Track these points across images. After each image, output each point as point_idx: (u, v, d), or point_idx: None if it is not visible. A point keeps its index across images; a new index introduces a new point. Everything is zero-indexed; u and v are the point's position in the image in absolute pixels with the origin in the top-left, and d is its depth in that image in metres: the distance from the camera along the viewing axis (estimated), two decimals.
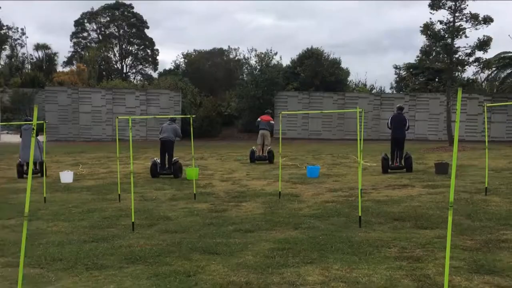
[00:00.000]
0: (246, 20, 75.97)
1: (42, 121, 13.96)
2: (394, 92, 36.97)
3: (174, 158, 16.41)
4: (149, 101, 33.14)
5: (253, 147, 20.45)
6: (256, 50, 35.85)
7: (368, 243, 7.20)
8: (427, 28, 22.71)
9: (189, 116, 11.44)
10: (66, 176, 15.72)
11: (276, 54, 36.10)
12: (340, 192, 12.43)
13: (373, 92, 35.73)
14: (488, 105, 11.34)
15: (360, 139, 10.84)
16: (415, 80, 33.80)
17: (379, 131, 32.43)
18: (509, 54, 28.16)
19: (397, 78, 38.13)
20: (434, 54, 23.55)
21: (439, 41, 22.96)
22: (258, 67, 35.21)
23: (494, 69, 29.29)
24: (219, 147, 28.39)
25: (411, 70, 35.12)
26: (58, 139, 32.89)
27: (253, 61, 35.85)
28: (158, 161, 16.45)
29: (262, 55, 34.90)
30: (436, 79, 32.93)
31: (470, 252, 6.67)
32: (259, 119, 21.04)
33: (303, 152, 24.37)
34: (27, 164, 16.76)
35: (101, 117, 32.72)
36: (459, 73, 26.48)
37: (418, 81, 34.72)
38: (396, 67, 37.98)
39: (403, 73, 37.48)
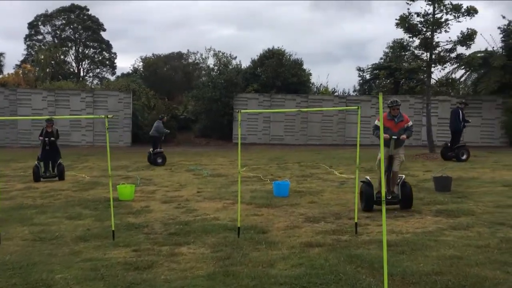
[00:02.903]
0: (207, 29, 71.63)
1: None
2: (358, 95, 33.30)
3: (158, 150, 18.67)
4: (96, 103, 28.39)
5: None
6: (214, 50, 31.61)
7: None
8: (404, 21, 18.96)
9: (103, 116, 7.15)
10: None
11: (235, 58, 32.01)
12: (323, 222, 8.37)
13: (336, 94, 31.93)
14: None
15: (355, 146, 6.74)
16: (387, 80, 30.08)
17: (345, 135, 28.66)
18: (482, 54, 24.88)
19: (361, 81, 34.51)
20: (411, 50, 19.80)
21: (416, 35, 19.24)
22: (216, 68, 30.93)
23: (465, 70, 26.00)
24: (171, 154, 23.90)
25: (376, 71, 31.50)
26: None
27: (211, 62, 31.58)
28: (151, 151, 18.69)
29: (220, 54, 30.66)
30: (402, 80, 29.38)
31: None
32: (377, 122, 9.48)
33: (265, 160, 20.26)
34: None
35: (42, 121, 27.78)
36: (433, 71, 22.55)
37: (384, 82, 31.15)
38: (359, 69, 34.35)
39: (367, 75, 33.87)
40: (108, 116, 7.26)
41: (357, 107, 7.38)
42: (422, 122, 26.87)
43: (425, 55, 19.65)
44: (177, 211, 9.78)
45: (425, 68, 20.21)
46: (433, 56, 19.35)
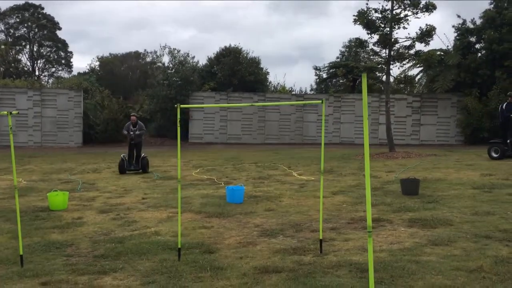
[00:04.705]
0: (168, 31, 69.18)
1: None
2: (315, 93, 32.06)
3: (142, 154, 15.30)
4: (44, 102, 26.12)
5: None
6: (169, 47, 29.75)
7: None
8: (362, 16, 17.76)
9: (5, 113, 5.46)
10: None
11: (193, 58, 30.23)
12: (282, 237, 6.90)
13: (293, 93, 30.64)
14: None
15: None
16: (345, 79, 28.90)
17: (303, 134, 27.40)
18: (438, 52, 24.07)
19: (318, 80, 33.32)
20: (369, 46, 18.65)
21: (375, 31, 18.08)
22: (171, 65, 29.11)
23: (423, 67, 25.15)
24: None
25: (334, 69, 30.31)
26: None
27: (166, 60, 29.75)
28: (126, 157, 15.22)
29: (176, 52, 28.82)
30: (358, 79, 28.31)
31: None
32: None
33: (221, 160, 18.70)
34: None
35: None
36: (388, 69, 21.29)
37: (342, 81, 30.03)
38: (316, 68, 33.16)
39: (324, 74, 32.71)
40: (13, 112, 5.55)
41: (320, 101, 5.93)
42: (379, 121, 25.93)
43: (384, 52, 18.55)
44: (113, 223, 8.11)
45: (384, 66, 19.11)
46: (392, 53, 18.24)
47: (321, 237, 6.08)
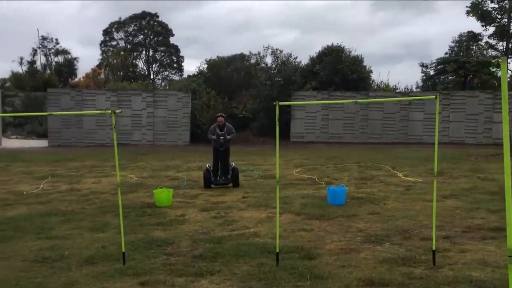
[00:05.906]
0: (272, 33, 69.88)
1: None
2: (421, 91, 30.19)
3: (232, 164, 12.00)
4: (156, 103, 27.27)
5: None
6: (272, 48, 29.64)
7: None
8: (476, 8, 16.18)
9: (109, 112, 5.41)
10: None
11: (296, 58, 29.88)
12: (388, 244, 6.22)
13: (398, 91, 29.09)
14: None
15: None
16: (454, 75, 26.81)
17: (408, 133, 25.87)
18: None
19: (424, 77, 31.35)
20: (483, 39, 16.97)
21: (490, 23, 16.40)
22: (274, 66, 29.00)
23: None
24: None
25: (443, 66, 28.29)
26: (61, 144, 27.30)
27: (268, 61, 29.73)
28: (211, 168, 11.90)
29: (278, 52, 28.67)
30: (471, 75, 26.09)
31: None
32: None
33: (322, 159, 18.10)
34: None
35: (106, 121, 26.99)
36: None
37: (451, 77, 27.91)
38: (423, 65, 31.22)
39: (431, 71, 30.68)
40: (116, 111, 5.50)
41: (434, 96, 5.20)
42: (493, 119, 23.69)
43: (501, 45, 16.78)
44: (213, 222, 7.93)
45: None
46: (511, 46, 16.44)
47: (434, 248, 5.33)
